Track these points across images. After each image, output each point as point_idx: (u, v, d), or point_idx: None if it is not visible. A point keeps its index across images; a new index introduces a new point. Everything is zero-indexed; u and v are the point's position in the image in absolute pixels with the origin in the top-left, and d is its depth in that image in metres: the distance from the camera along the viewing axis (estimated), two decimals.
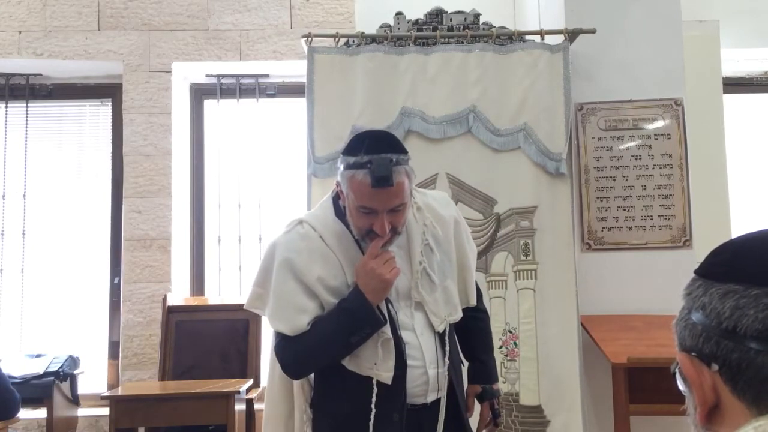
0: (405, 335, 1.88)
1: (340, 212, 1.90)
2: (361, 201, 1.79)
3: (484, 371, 2.10)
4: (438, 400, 1.92)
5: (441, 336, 1.93)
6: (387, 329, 1.83)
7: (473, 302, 2.07)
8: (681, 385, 0.81)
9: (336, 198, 1.93)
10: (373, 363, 1.83)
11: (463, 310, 2.03)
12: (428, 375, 1.88)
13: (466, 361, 2.13)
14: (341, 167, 1.83)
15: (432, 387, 1.90)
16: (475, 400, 2.08)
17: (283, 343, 1.86)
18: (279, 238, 1.94)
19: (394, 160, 1.77)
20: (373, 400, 1.82)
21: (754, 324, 0.72)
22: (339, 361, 1.87)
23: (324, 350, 1.85)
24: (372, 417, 1.82)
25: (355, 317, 1.80)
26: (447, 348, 1.92)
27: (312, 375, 1.95)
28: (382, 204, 1.78)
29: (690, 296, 0.79)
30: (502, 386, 2.70)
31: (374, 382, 1.83)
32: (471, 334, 2.11)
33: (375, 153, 1.76)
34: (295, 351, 1.85)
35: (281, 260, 1.86)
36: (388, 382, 1.82)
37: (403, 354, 1.85)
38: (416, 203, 1.97)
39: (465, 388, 2.07)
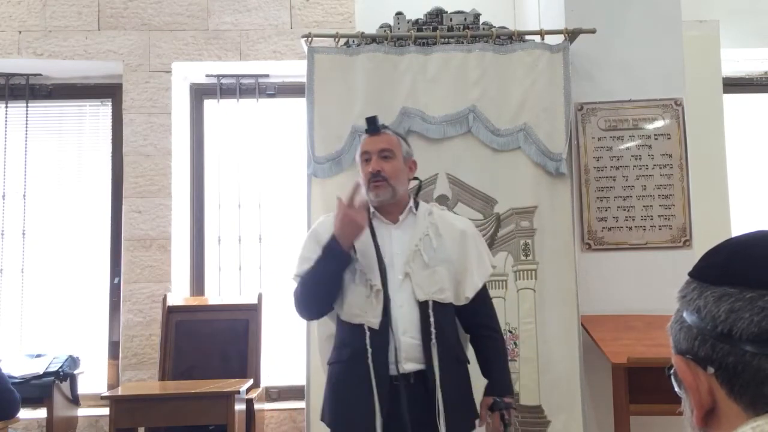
0: (392, 301, 2.27)
1: (368, 204, 2.37)
2: (362, 149, 2.39)
3: (496, 385, 2.34)
4: (419, 375, 2.23)
5: (424, 309, 2.26)
6: (377, 282, 2.26)
7: (467, 295, 2.35)
8: (677, 388, 0.81)
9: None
10: (364, 311, 2.27)
11: (477, 329, 2.41)
12: (401, 341, 2.24)
13: (484, 377, 2.38)
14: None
15: (406, 355, 2.24)
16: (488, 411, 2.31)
17: (295, 288, 2.36)
18: (318, 221, 2.52)
19: (382, 122, 2.44)
20: (368, 341, 2.23)
21: (749, 327, 0.72)
22: (328, 301, 2.33)
23: (311, 283, 2.31)
24: (369, 355, 2.21)
25: (328, 254, 2.26)
26: (432, 327, 2.24)
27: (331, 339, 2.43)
28: (373, 146, 2.36)
29: (685, 299, 0.79)
30: None
31: (366, 327, 2.25)
32: (486, 352, 2.41)
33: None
34: (298, 291, 2.35)
35: (311, 234, 2.45)
36: (376, 326, 2.24)
37: (389, 306, 2.25)
38: (431, 211, 2.43)
39: (479, 398, 2.35)
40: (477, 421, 2.34)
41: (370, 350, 2.22)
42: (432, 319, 2.25)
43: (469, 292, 2.35)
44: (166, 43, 4.16)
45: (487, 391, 2.34)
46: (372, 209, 2.37)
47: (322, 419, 2.40)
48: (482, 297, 2.41)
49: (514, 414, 2.43)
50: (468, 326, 2.43)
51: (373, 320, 2.25)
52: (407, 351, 2.24)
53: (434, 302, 2.29)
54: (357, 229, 2.25)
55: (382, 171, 2.31)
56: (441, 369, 2.23)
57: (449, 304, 2.34)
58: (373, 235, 2.32)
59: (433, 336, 2.24)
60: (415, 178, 2.52)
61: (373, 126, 2.38)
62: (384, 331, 2.24)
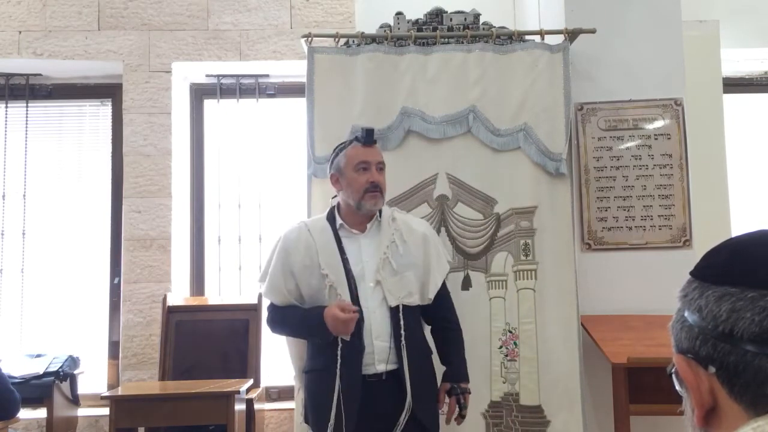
0: (363, 309, 2.41)
1: (330, 216, 2.57)
2: (358, 158, 2.48)
3: (453, 372, 2.56)
4: (391, 372, 2.40)
5: (395, 314, 2.43)
6: (347, 295, 2.41)
7: (430, 296, 2.55)
8: (678, 387, 0.81)
9: (331, 210, 2.59)
10: None
11: (438, 322, 2.61)
12: (374, 345, 2.40)
13: (442, 365, 2.60)
14: (334, 156, 2.56)
15: (378, 357, 2.41)
16: (446, 395, 2.54)
17: (271, 309, 2.59)
18: (284, 232, 2.60)
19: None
20: (339, 353, 2.37)
21: (750, 327, 0.72)
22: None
23: (288, 330, 2.59)
24: (338, 366, 2.36)
25: (312, 331, 2.47)
26: (402, 329, 2.41)
27: (303, 349, 2.62)
28: (373, 156, 2.51)
29: (686, 298, 0.79)
30: (502, 386, 3.05)
31: (339, 339, 2.38)
32: (444, 342, 2.61)
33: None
34: (273, 318, 2.57)
35: (279, 249, 2.53)
36: (347, 338, 2.37)
37: (361, 314, 2.38)
38: (394, 217, 2.58)
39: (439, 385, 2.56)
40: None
41: (339, 360, 2.37)
42: (402, 323, 2.42)
43: (432, 293, 2.55)
44: (166, 43, 4.16)
45: (445, 378, 2.56)
46: (340, 222, 2.54)
47: (306, 421, 2.60)
48: (442, 293, 2.61)
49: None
50: (429, 319, 2.63)
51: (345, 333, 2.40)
52: (379, 354, 2.42)
53: (404, 306, 2.46)
54: (346, 333, 2.38)
55: (380, 182, 2.49)
56: (410, 368, 2.41)
57: (417, 305, 2.52)
58: (340, 249, 2.48)
59: (403, 338, 2.42)
60: None
61: (370, 137, 2.52)
62: (356, 339, 2.39)
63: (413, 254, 2.52)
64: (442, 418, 2.58)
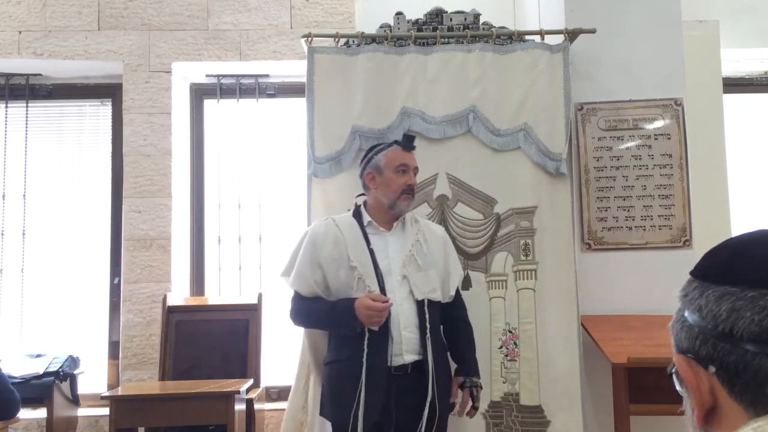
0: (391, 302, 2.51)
1: (357, 214, 2.69)
2: (399, 161, 2.63)
3: (465, 367, 2.68)
4: (416, 364, 2.50)
5: (420, 307, 2.55)
6: (375, 287, 2.52)
7: (451, 293, 2.70)
8: (678, 387, 0.81)
9: (356, 208, 2.71)
10: None
11: (451, 320, 2.72)
12: (402, 336, 2.51)
13: (453, 362, 2.70)
14: (372, 156, 2.68)
15: (406, 348, 2.51)
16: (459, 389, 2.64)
17: (295, 300, 2.66)
18: (311, 227, 2.72)
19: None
20: (366, 343, 2.46)
21: (750, 326, 0.72)
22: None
23: (314, 320, 2.67)
24: (364, 357, 2.45)
25: (341, 321, 2.53)
26: (427, 322, 2.52)
27: (326, 339, 2.70)
28: (411, 162, 2.67)
29: (686, 298, 0.79)
30: (502, 386, 3.08)
31: (366, 330, 2.47)
32: (457, 339, 2.73)
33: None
34: (299, 309, 2.64)
35: (307, 242, 2.63)
36: (376, 328, 2.47)
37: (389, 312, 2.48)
38: (416, 219, 2.74)
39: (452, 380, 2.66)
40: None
41: (366, 351, 2.46)
42: (427, 316, 2.55)
43: (452, 291, 2.71)
44: (166, 43, 4.16)
45: (458, 372, 2.68)
46: (368, 219, 2.65)
47: (322, 414, 2.66)
48: (457, 294, 2.77)
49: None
50: (445, 318, 2.72)
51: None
52: (407, 344, 2.53)
53: (428, 300, 2.58)
54: (379, 322, 2.48)
55: (414, 187, 2.67)
56: (434, 359, 2.54)
57: (438, 301, 2.64)
58: (368, 244, 2.60)
59: (428, 330, 2.53)
60: None
61: (411, 143, 2.69)
62: (383, 330, 2.49)
63: (435, 254, 2.67)
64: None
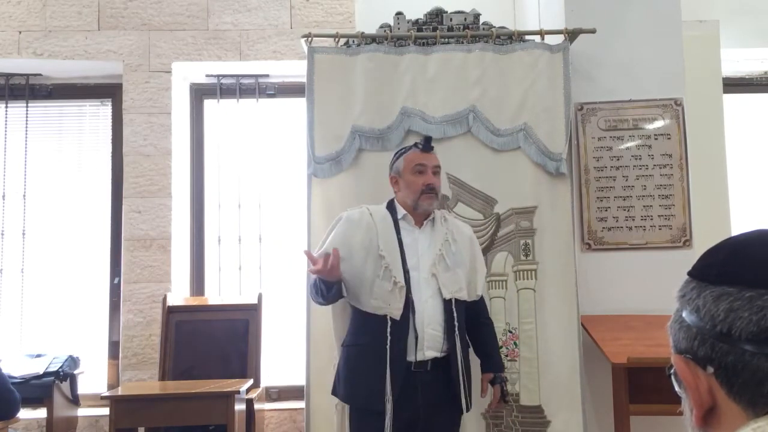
0: (415, 297, 2.56)
1: (390, 206, 2.72)
2: (415, 161, 2.65)
3: (493, 363, 2.74)
4: (437, 362, 2.54)
5: (448, 306, 2.57)
6: (401, 279, 2.54)
7: (478, 293, 2.75)
8: (677, 388, 0.81)
9: (391, 201, 2.73)
10: (387, 303, 2.53)
11: (475, 318, 2.73)
12: (425, 332, 2.53)
13: (478, 357, 2.74)
14: (395, 160, 2.74)
15: (428, 345, 2.54)
16: (489, 385, 2.70)
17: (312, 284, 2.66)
18: (346, 213, 2.74)
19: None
20: (388, 330, 2.50)
21: (748, 326, 0.72)
22: (337, 298, 2.60)
23: (314, 290, 2.61)
24: (388, 343, 2.48)
25: (322, 285, 2.53)
26: (455, 321, 2.56)
27: (348, 320, 2.70)
28: (429, 161, 2.68)
29: (684, 298, 0.79)
30: None
31: (388, 317, 2.51)
32: (482, 336, 2.76)
33: None
34: (313, 283, 2.60)
35: (342, 225, 2.68)
36: (397, 317, 2.51)
37: (411, 300, 2.54)
38: (445, 218, 2.77)
39: (480, 377, 2.72)
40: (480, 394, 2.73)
41: (389, 338, 2.49)
42: (455, 314, 2.58)
43: (479, 290, 2.75)
44: (166, 43, 4.16)
45: (486, 369, 2.73)
46: (403, 213, 2.68)
47: (334, 393, 2.69)
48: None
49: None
50: (469, 315, 2.72)
51: (396, 312, 2.53)
52: (429, 341, 2.55)
53: (456, 299, 2.61)
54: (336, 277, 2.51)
55: (435, 185, 2.66)
56: (463, 356, 2.59)
57: (464, 300, 2.66)
58: (398, 238, 2.64)
59: (456, 329, 2.57)
60: None
61: (428, 145, 2.71)
62: (404, 323, 2.53)
63: (462, 254, 2.70)
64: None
